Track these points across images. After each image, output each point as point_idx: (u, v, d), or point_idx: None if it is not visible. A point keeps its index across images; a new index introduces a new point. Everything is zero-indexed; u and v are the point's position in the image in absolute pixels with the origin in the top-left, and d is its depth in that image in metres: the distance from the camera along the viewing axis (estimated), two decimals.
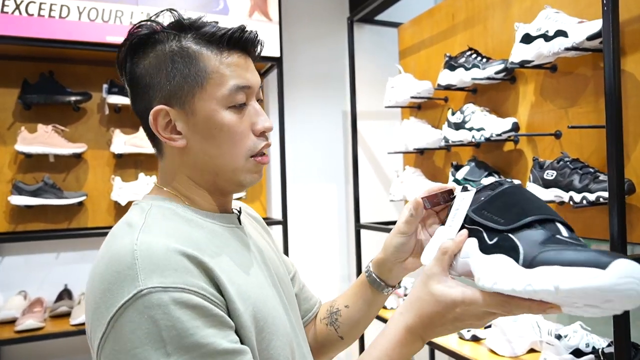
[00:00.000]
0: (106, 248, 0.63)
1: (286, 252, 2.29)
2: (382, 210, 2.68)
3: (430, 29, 2.15)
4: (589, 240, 1.63)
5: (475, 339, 1.73)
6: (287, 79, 2.50)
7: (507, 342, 1.58)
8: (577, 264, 0.46)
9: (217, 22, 0.70)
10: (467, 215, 0.63)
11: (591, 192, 1.31)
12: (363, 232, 2.45)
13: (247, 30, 0.70)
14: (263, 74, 2.46)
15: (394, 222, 2.30)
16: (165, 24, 0.69)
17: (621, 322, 1.12)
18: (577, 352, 1.40)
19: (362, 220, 2.44)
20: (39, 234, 1.99)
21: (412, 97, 2.01)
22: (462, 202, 0.65)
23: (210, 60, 0.67)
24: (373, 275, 0.84)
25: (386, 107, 2.18)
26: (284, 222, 2.27)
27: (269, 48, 2.20)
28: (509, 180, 0.61)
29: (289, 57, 2.53)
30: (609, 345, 1.32)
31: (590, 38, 1.29)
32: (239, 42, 0.69)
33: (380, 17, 2.59)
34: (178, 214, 0.68)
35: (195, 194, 0.72)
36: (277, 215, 2.46)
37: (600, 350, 1.30)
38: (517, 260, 0.52)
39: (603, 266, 0.45)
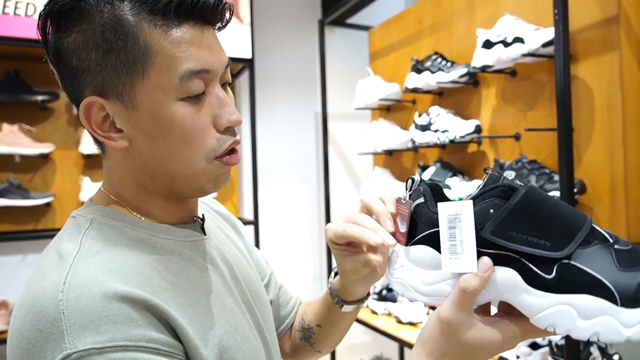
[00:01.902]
0: (29, 288, 0.49)
1: None
2: None
3: (398, 33, 2.20)
4: None
5: None
6: (260, 80, 2.52)
7: None
8: None
9: None
10: (481, 238, 0.48)
11: (546, 192, 1.38)
12: None
13: None
14: (235, 76, 2.47)
15: None
16: None
17: None
18: (534, 345, 1.46)
19: (333, 220, 2.47)
20: (5, 236, 1.96)
21: (381, 100, 2.06)
22: (459, 219, 0.49)
23: (153, 36, 0.51)
24: (337, 297, 0.73)
25: (356, 109, 2.22)
26: (255, 222, 2.29)
27: (241, 50, 2.21)
28: (504, 175, 0.50)
29: (262, 59, 2.55)
30: (562, 338, 1.39)
31: (545, 45, 1.35)
32: (194, 10, 0.52)
33: (352, 20, 2.63)
34: (124, 234, 0.55)
35: (147, 202, 0.59)
36: (248, 215, 2.48)
37: (554, 343, 1.36)
38: (612, 300, 0.43)
39: None
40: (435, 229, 0.51)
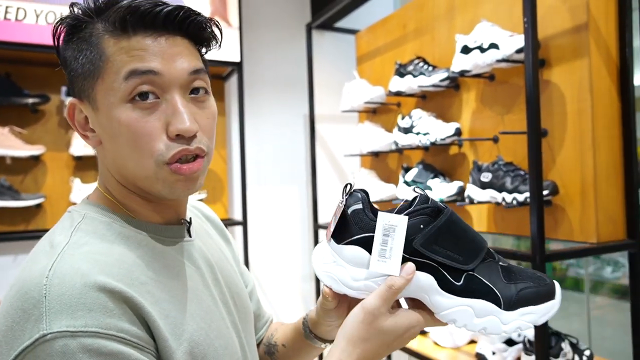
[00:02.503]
0: (21, 272, 0.55)
1: (246, 252, 2.34)
2: None
3: (384, 37, 2.24)
4: (519, 238, 1.73)
5: (421, 332, 1.82)
6: (249, 83, 2.56)
7: (449, 335, 1.68)
8: (541, 299, 0.58)
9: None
10: (411, 247, 0.58)
11: (520, 193, 1.42)
12: (322, 232, 2.53)
13: (160, 5, 0.56)
14: (224, 79, 2.51)
15: None
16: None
17: None
18: (509, 342, 1.51)
19: (323, 221, 2.51)
20: None
21: (366, 103, 2.10)
22: (394, 230, 0.58)
23: (110, 44, 0.56)
24: (309, 332, 0.77)
25: (342, 111, 2.27)
26: (244, 223, 2.33)
27: (230, 53, 2.25)
28: (431, 197, 0.61)
29: (251, 62, 2.59)
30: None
31: (518, 51, 1.40)
32: (142, 20, 0.56)
33: (340, 24, 2.67)
34: (113, 229, 0.60)
35: (130, 201, 0.63)
36: (238, 216, 2.51)
37: (527, 339, 1.41)
38: (498, 304, 0.57)
39: (553, 295, 0.58)
40: (370, 234, 0.59)
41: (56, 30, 0.60)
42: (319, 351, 0.80)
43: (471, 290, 0.57)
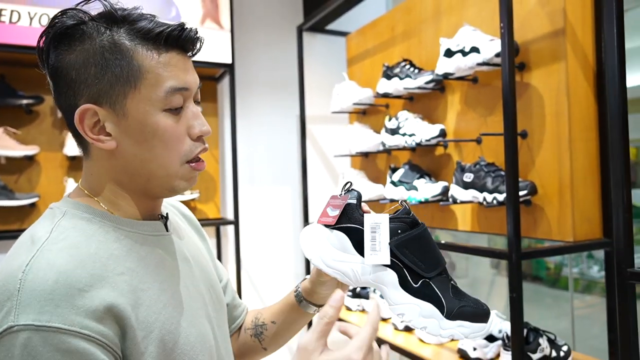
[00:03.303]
0: (2, 265, 0.58)
1: (238, 252, 2.38)
2: None
3: (373, 40, 2.28)
4: (498, 237, 1.76)
5: (407, 329, 1.86)
6: (242, 84, 2.59)
7: None
8: (476, 319, 0.67)
9: (153, 16, 0.65)
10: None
11: (501, 193, 1.46)
12: None
13: (186, 29, 0.65)
14: (216, 80, 2.55)
15: None
16: (95, 13, 0.63)
17: (516, 307, 1.26)
18: (490, 338, 1.54)
19: (313, 220, 2.55)
20: None
21: (355, 104, 2.14)
22: (379, 227, 0.69)
23: (146, 58, 0.62)
24: (304, 301, 0.83)
25: (332, 112, 2.30)
26: (235, 223, 2.36)
27: (221, 55, 2.29)
28: (413, 212, 0.72)
29: (244, 63, 2.62)
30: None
31: (497, 55, 1.43)
32: (178, 40, 0.64)
33: (331, 26, 2.71)
34: (92, 224, 0.64)
35: (120, 198, 0.67)
36: (230, 215, 2.55)
37: (506, 334, 1.45)
38: (442, 312, 0.66)
39: (486, 319, 0.67)
40: (355, 226, 0.70)
41: (55, 33, 0.62)
42: (308, 318, 0.87)
43: (424, 293, 0.67)
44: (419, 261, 0.67)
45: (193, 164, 0.67)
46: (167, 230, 0.72)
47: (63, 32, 0.62)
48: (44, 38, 0.63)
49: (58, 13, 0.63)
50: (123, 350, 0.58)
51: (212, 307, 0.75)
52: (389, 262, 0.67)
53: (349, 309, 2.23)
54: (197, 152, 0.67)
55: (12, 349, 0.51)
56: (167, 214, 0.75)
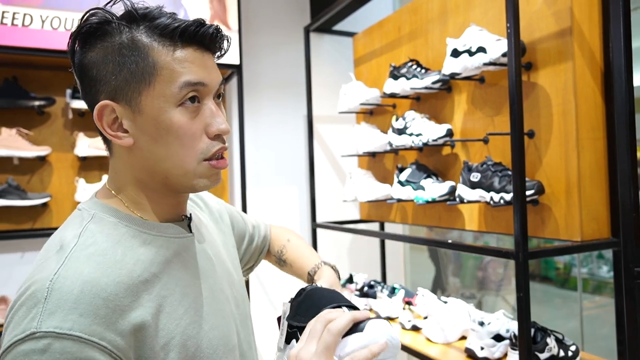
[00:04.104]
0: (33, 271, 0.60)
1: None
2: (342, 210, 2.81)
3: (380, 40, 2.28)
4: (506, 236, 1.75)
5: (414, 328, 1.87)
6: (250, 85, 2.61)
7: (440, 330, 1.72)
8: (354, 331, 0.67)
9: (173, 14, 0.65)
10: (288, 323, 0.76)
11: (507, 192, 1.46)
12: (325, 231, 2.58)
13: (204, 24, 0.64)
14: (224, 81, 2.56)
15: (350, 222, 2.44)
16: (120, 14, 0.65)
17: (524, 307, 1.26)
18: (498, 337, 1.54)
19: (322, 220, 2.57)
20: (3, 235, 2.06)
21: (362, 104, 2.15)
22: (283, 314, 0.77)
23: (161, 54, 0.62)
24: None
25: (339, 112, 2.31)
26: None
27: (229, 56, 2.31)
28: (311, 284, 0.82)
29: (252, 64, 2.64)
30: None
31: (504, 54, 1.43)
32: (195, 36, 0.64)
33: (338, 26, 2.72)
34: (118, 229, 0.65)
35: (142, 197, 0.68)
36: None
37: (513, 334, 1.45)
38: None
39: (362, 329, 0.67)
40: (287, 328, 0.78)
41: (79, 32, 0.63)
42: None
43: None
44: (305, 318, 0.72)
45: (213, 162, 0.67)
46: (191, 231, 0.74)
47: (88, 31, 0.63)
48: (72, 38, 0.65)
49: (85, 13, 0.64)
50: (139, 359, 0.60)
51: (234, 302, 0.78)
52: (282, 345, 0.75)
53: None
54: (215, 151, 0.66)
55: (31, 354, 0.52)
56: (190, 214, 0.76)
